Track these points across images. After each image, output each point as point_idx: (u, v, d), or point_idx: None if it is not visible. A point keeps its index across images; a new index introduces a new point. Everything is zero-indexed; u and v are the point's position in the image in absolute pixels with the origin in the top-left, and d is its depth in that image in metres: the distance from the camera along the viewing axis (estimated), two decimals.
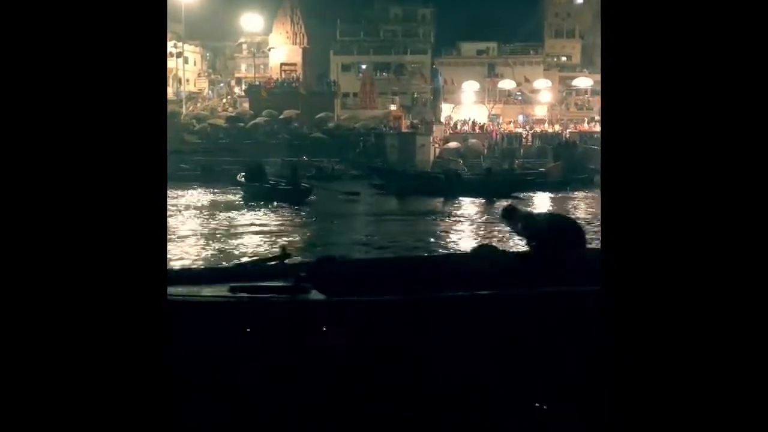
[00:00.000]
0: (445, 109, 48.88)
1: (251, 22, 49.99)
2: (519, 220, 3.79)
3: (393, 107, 45.93)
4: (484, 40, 51.21)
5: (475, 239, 11.89)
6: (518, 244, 10.37)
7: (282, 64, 47.54)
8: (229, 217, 15.02)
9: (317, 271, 3.17)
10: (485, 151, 39.52)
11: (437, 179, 24.36)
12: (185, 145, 33.71)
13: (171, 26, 40.88)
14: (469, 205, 18.79)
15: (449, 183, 22.26)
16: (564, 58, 51.90)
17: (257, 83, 45.91)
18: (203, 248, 10.36)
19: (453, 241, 11.59)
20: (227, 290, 2.80)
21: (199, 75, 51.45)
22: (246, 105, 44.05)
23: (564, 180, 27.10)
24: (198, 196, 21.26)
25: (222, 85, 50.39)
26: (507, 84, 49.59)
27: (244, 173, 20.05)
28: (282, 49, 47.74)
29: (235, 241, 11.21)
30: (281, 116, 40.26)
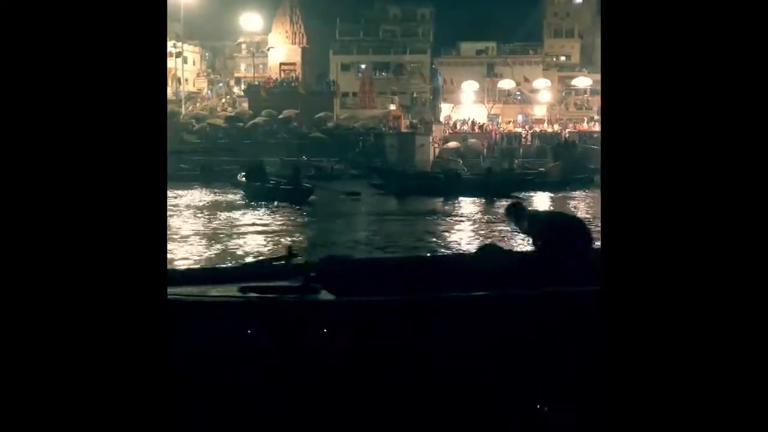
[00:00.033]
0: (445, 109, 48.88)
1: (250, 21, 49.97)
2: (524, 218, 3.77)
3: (392, 107, 45.95)
4: (484, 40, 51.21)
5: (477, 239, 11.89)
6: (521, 244, 10.39)
7: (281, 64, 47.53)
8: (231, 217, 15.02)
9: (325, 271, 3.17)
10: (485, 150, 39.53)
11: (437, 179, 24.36)
12: (184, 145, 33.71)
13: (170, 26, 40.80)
14: (469, 205, 18.79)
15: (449, 183, 22.26)
16: (563, 58, 51.90)
17: (256, 83, 45.90)
18: (207, 248, 10.37)
19: (455, 241, 11.59)
20: (237, 290, 2.80)
21: (198, 75, 51.44)
22: (245, 105, 44.05)
23: (563, 180, 27.08)
24: (199, 195, 21.26)
25: (221, 84, 50.39)
26: (506, 84, 49.60)
27: (244, 173, 20.04)
28: (281, 49, 47.73)
29: (238, 241, 11.22)
30: (280, 116, 40.25)
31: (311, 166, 29.36)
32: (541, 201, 21.39)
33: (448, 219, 15.42)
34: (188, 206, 17.63)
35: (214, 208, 17.22)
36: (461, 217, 16.00)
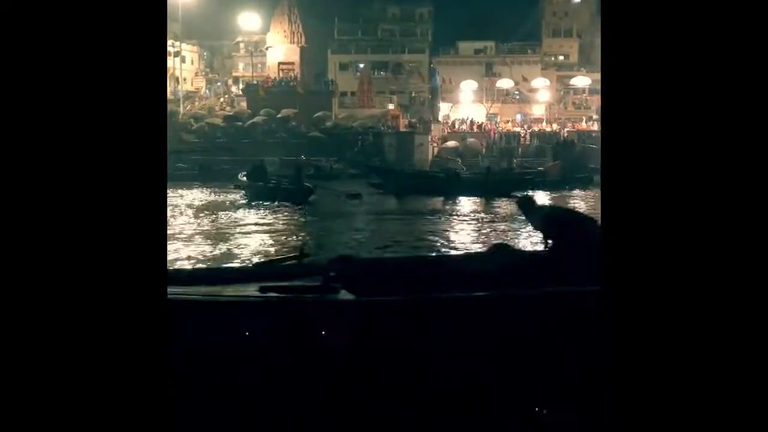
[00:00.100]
0: (443, 108, 48.85)
1: (249, 20, 49.91)
2: (536, 212, 3.71)
3: (391, 106, 45.90)
4: (482, 40, 51.21)
5: (480, 238, 11.91)
6: (525, 243, 10.39)
7: (280, 63, 47.48)
8: (234, 216, 15.05)
9: (342, 271, 3.18)
10: (483, 150, 39.51)
11: (436, 178, 24.36)
12: (183, 145, 33.70)
13: (168, 25, 40.70)
14: (469, 204, 18.81)
15: (448, 182, 22.26)
16: (561, 57, 51.91)
17: (255, 82, 45.86)
18: (213, 248, 10.37)
19: (460, 241, 11.61)
20: (257, 290, 2.80)
21: (196, 74, 51.37)
22: (243, 104, 43.99)
23: (563, 179, 27.07)
24: (200, 195, 21.27)
25: (219, 84, 50.32)
26: (505, 83, 49.59)
27: (245, 172, 20.07)
28: (279, 48, 47.67)
29: (243, 241, 11.23)
30: (279, 115, 40.21)
31: (310, 165, 29.33)
32: (541, 200, 21.37)
33: (448, 218, 15.42)
34: (190, 206, 17.66)
35: (215, 207, 17.24)
36: (462, 216, 16.01)
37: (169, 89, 42.51)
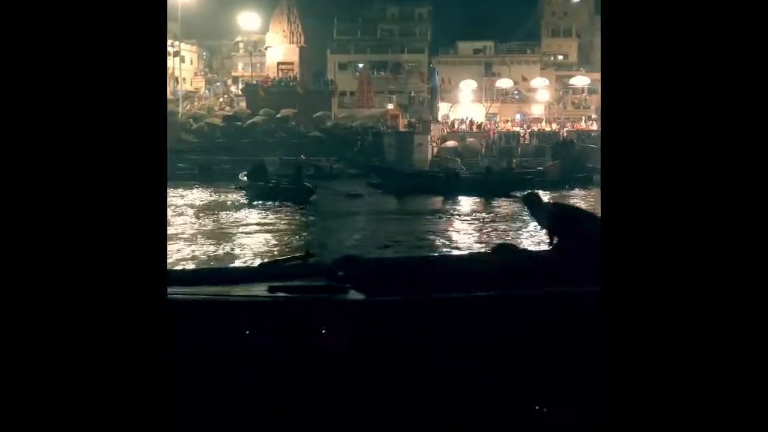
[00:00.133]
0: (443, 108, 48.87)
1: (248, 20, 49.91)
2: (542, 209, 3.68)
3: (390, 106, 45.93)
4: (481, 39, 51.23)
5: (482, 237, 11.93)
6: (527, 244, 10.41)
7: (279, 63, 47.47)
8: (235, 216, 15.07)
9: (349, 271, 3.18)
10: (483, 150, 39.52)
11: (435, 178, 24.37)
12: (182, 144, 33.69)
13: (167, 25, 40.74)
14: (469, 204, 18.83)
15: (448, 182, 22.27)
16: (561, 57, 51.93)
17: (254, 82, 45.85)
18: (216, 247, 10.38)
19: (462, 241, 11.63)
20: (266, 290, 2.80)
21: (195, 74, 51.37)
22: (243, 104, 43.98)
23: (562, 179, 27.09)
24: (201, 195, 21.30)
25: (218, 84, 50.32)
26: (504, 83, 49.62)
27: (246, 172, 20.10)
28: (279, 48, 47.67)
29: (246, 240, 11.26)
30: (278, 115, 40.20)
31: (310, 165, 29.36)
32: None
33: (449, 218, 15.44)
34: (192, 206, 17.68)
35: (217, 207, 17.26)
36: (462, 216, 16.02)
37: (168, 89, 42.49)
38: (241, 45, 52.40)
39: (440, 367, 2.60)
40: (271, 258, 8.08)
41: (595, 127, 41.80)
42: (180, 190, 21.10)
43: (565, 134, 41.77)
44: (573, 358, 2.56)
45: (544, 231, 3.92)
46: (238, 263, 8.65)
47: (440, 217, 15.63)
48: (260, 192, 18.48)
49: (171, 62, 44.17)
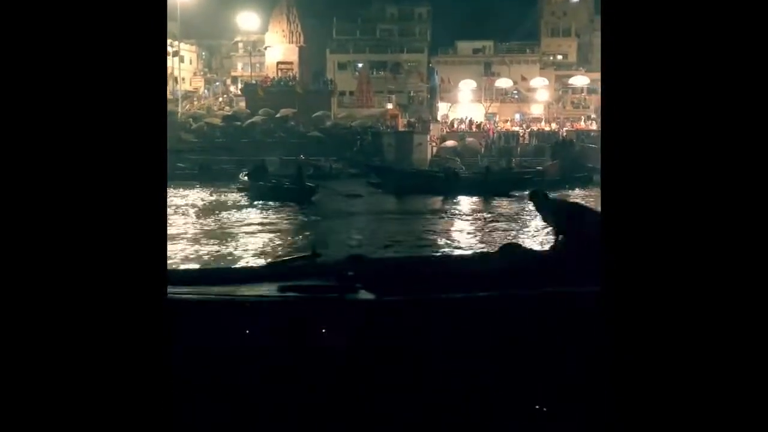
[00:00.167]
0: (442, 108, 48.83)
1: (247, 20, 49.87)
2: (548, 206, 3.65)
3: (389, 106, 45.88)
4: (481, 39, 51.21)
5: (484, 236, 11.95)
6: (530, 243, 10.41)
7: (278, 63, 47.44)
8: (237, 216, 15.08)
9: (358, 270, 3.18)
10: (482, 149, 39.51)
11: (435, 178, 24.37)
12: (182, 144, 33.67)
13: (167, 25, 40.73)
14: (468, 204, 18.84)
15: (447, 182, 22.27)
16: (560, 57, 51.92)
17: (253, 82, 45.83)
18: (220, 247, 10.39)
19: (464, 240, 11.65)
20: (277, 289, 2.80)
21: (194, 74, 51.32)
22: (242, 104, 43.95)
23: (562, 178, 27.08)
24: (202, 195, 21.31)
25: (218, 83, 50.29)
26: (503, 82, 49.59)
27: (247, 172, 20.09)
28: (278, 48, 47.65)
29: (250, 240, 11.26)
30: (278, 115, 40.18)
31: (309, 165, 29.36)
32: None
33: (449, 218, 15.45)
34: (193, 205, 17.69)
35: (218, 207, 17.26)
36: (463, 216, 16.03)
37: (167, 89, 42.45)
38: (240, 45, 52.36)
39: (440, 367, 2.60)
40: (275, 258, 8.09)
41: (594, 126, 41.78)
42: (181, 190, 21.11)
43: (565, 134, 41.76)
44: (573, 358, 2.56)
45: (548, 229, 3.91)
46: (242, 263, 8.66)
47: (441, 217, 15.64)
48: (261, 192, 18.47)
49: (170, 62, 44.13)
